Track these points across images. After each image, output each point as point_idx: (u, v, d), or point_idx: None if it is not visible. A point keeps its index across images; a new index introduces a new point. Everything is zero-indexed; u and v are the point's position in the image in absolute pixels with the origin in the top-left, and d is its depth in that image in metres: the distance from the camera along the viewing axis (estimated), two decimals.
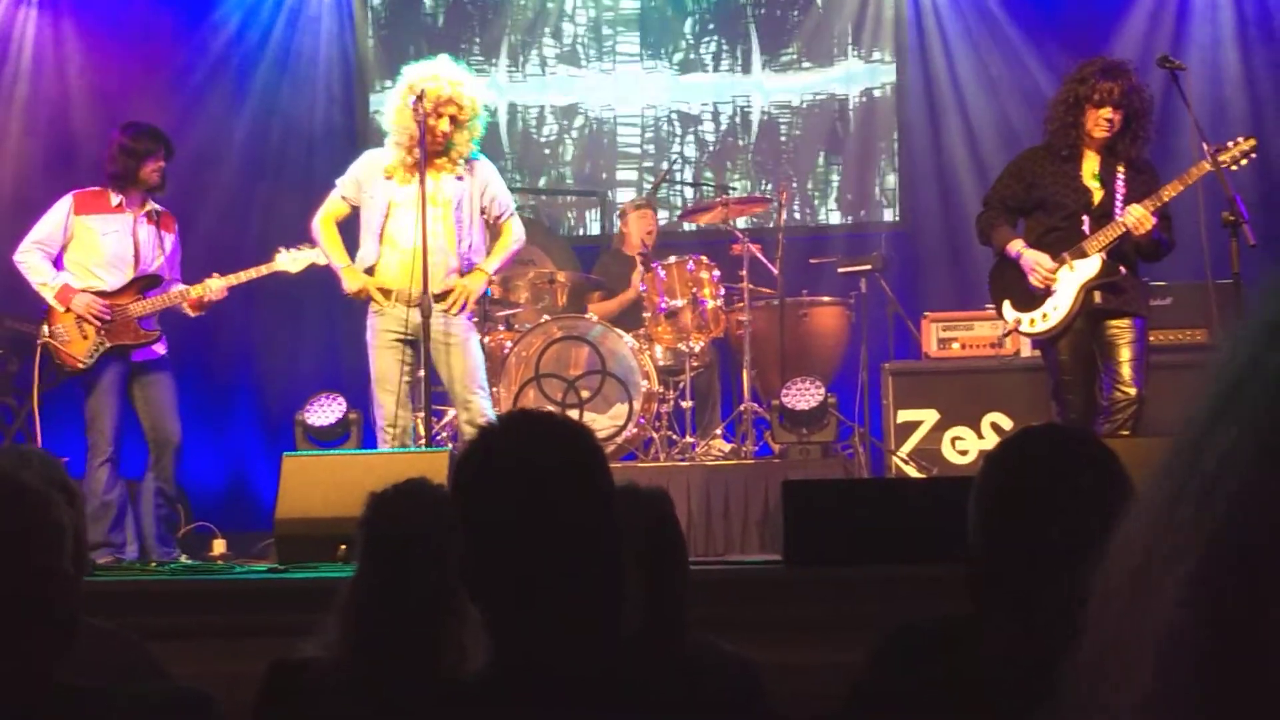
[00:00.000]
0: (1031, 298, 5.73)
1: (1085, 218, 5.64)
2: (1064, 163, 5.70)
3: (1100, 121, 5.57)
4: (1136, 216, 5.49)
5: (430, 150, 5.89)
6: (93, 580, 4.85)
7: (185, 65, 9.10)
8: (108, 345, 6.31)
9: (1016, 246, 5.75)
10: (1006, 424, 6.97)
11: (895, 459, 7.16)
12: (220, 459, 8.84)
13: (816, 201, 9.15)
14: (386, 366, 5.98)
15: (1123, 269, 5.63)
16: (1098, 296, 5.63)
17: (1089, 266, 5.62)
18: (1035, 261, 5.67)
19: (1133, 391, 5.57)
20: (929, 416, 7.23)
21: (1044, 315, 5.70)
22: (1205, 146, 5.55)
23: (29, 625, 1.55)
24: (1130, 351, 5.59)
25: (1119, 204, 5.59)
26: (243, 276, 6.51)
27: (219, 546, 6.91)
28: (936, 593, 3.50)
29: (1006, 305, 5.85)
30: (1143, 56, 8.16)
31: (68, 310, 6.30)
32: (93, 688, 1.63)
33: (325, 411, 7.37)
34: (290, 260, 6.50)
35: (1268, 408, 0.58)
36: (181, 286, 6.51)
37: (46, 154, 8.76)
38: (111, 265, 6.38)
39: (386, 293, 5.97)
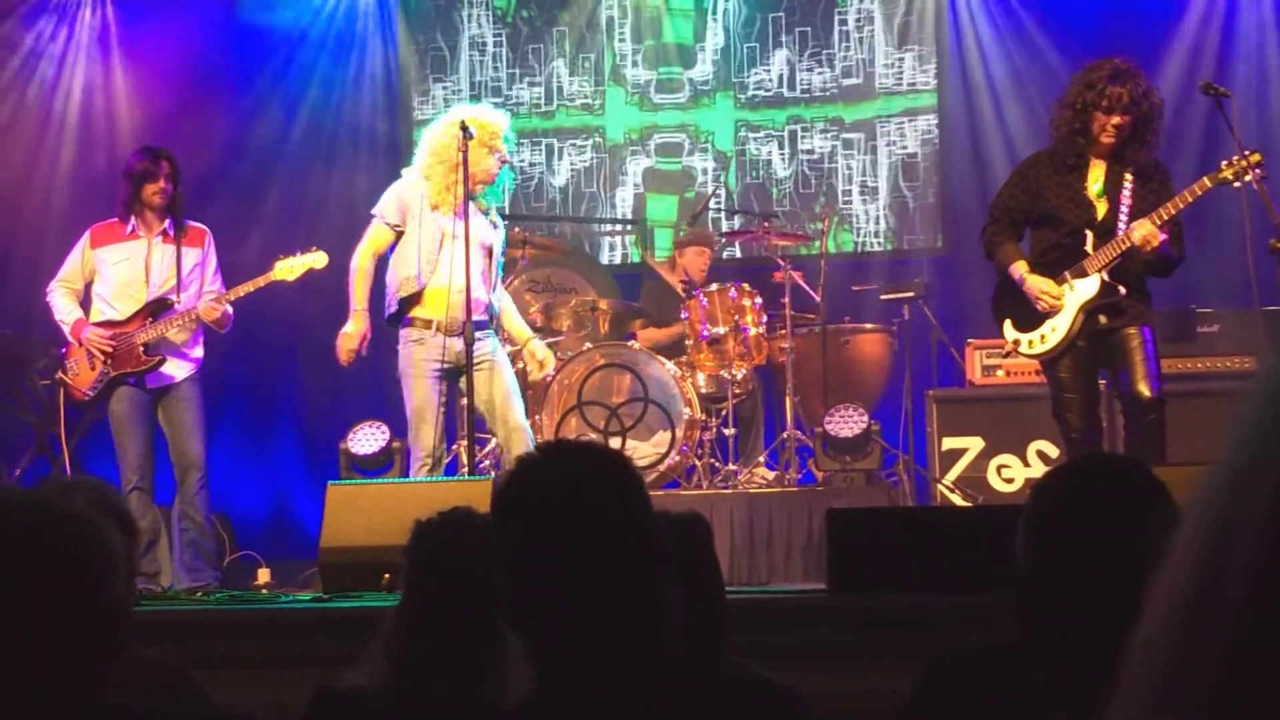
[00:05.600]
0: (1032, 318, 5.64)
1: (1088, 233, 5.52)
2: (1069, 173, 5.56)
3: (1108, 128, 5.42)
4: (1143, 234, 5.33)
5: (473, 184, 5.89)
6: (137, 610, 4.89)
7: (233, 88, 9.19)
8: (111, 374, 6.25)
9: (1020, 270, 5.63)
10: (1052, 452, 6.89)
11: (940, 487, 7.11)
12: (264, 488, 8.88)
13: (859, 228, 9.13)
14: (426, 396, 5.93)
15: (1122, 289, 5.49)
16: (1102, 318, 5.53)
17: (1088, 287, 5.51)
18: (1039, 290, 5.56)
19: (1148, 393, 5.38)
20: (974, 444, 7.17)
21: (1042, 337, 5.61)
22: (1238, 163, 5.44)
23: (80, 649, 1.56)
24: (1141, 354, 5.44)
25: (1123, 219, 5.47)
26: (240, 291, 6.33)
27: (264, 575, 6.94)
28: (981, 622, 3.48)
29: (1007, 325, 5.74)
30: (1187, 79, 8.14)
31: (80, 344, 6.30)
32: (139, 706, 1.64)
33: (369, 440, 7.38)
34: (287, 268, 6.34)
35: None
36: (194, 305, 6.31)
37: (95, 189, 8.86)
38: (122, 294, 6.32)
39: (428, 323, 5.97)
